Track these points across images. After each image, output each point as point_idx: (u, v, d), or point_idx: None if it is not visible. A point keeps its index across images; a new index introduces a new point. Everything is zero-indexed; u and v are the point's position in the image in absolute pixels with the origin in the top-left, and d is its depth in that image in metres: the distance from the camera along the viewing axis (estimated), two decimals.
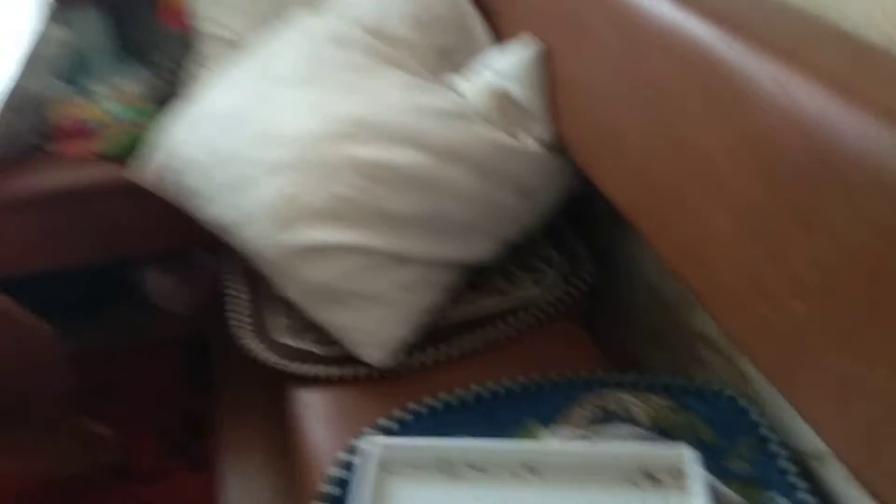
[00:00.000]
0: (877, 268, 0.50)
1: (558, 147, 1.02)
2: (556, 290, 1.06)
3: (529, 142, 1.01)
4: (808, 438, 0.81)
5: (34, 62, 1.32)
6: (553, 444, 0.82)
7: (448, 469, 0.78)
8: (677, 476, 0.77)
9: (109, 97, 1.43)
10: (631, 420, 0.85)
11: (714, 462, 0.80)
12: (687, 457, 0.77)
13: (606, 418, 0.86)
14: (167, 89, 1.44)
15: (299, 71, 1.06)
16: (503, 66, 1.01)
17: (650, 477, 0.77)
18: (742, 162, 0.62)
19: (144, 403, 1.46)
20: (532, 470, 0.77)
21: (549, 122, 1.00)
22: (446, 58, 1.15)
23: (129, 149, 1.32)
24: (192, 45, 1.40)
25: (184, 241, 1.45)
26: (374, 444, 0.78)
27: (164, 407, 1.45)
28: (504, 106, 1.01)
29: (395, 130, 0.96)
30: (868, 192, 0.49)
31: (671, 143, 0.73)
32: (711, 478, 0.77)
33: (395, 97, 1.00)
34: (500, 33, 1.15)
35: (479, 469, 0.78)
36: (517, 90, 0.99)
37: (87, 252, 1.39)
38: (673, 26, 0.71)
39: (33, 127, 1.36)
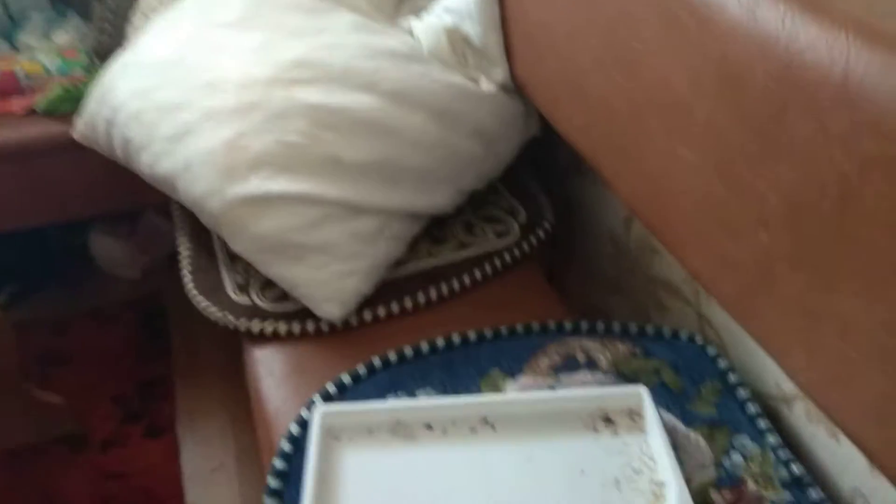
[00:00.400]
0: (845, 191, 0.47)
1: (516, 89, 0.99)
2: (517, 239, 1.04)
3: (486, 84, 0.97)
4: (771, 381, 0.81)
5: None
6: (510, 396, 0.80)
7: (402, 431, 0.75)
8: (636, 418, 0.76)
9: (45, 50, 1.36)
10: (595, 367, 0.84)
11: (680, 406, 0.79)
12: (644, 397, 0.76)
13: (571, 366, 0.84)
14: (108, 41, 1.37)
15: (241, 13, 1.01)
16: (456, 4, 0.97)
17: (609, 420, 0.76)
18: (705, 89, 0.59)
19: (99, 370, 1.42)
20: (491, 424, 0.76)
21: (505, 62, 0.96)
22: (404, 2, 1.10)
23: (67, 104, 1.26)
24: None
25: (131, 201, 1.40)
26: (316, 412, 0.75)
27: (118, 373, 1.41)
28: (459, 46, 0.96)
29: (345, 73, 0.91)
30: (834, 109, 0.46)
31: (631, 75, 0.70)
32: (671, 417, 0.77)
33: (345, 39, 0.96)
34: None
35: (435, 428, 0.75)
36: (471, 29, 0.95)
37: (28, 215, 1.32)
38: None
39: None
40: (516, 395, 0.80)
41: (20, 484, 1.23)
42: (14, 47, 1.40)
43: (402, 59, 0.94)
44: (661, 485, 0.70)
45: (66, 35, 1.41)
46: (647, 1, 0.65)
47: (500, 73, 0.97)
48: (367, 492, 0.70)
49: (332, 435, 0.74)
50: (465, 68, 0.97)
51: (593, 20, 0.75)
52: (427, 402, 0.79)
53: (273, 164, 0.87)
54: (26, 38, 1.40)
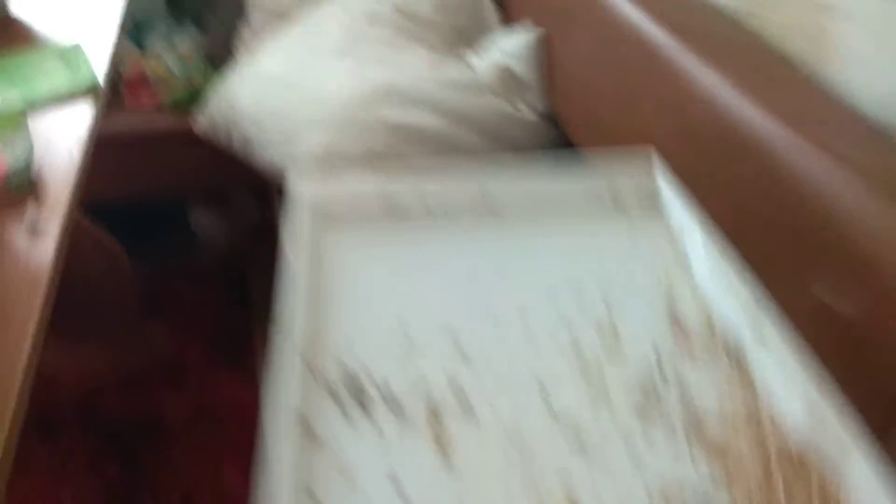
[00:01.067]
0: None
1: (550, 116, 1.24)
2: None
3: (526, 111, 1.23)
4: None
5: None
6: (516, 179, 0.73)
7: (399, 213, 0.70)
8: (649, 200, 0.73)
9: (169, 54, 1.64)
10: None
11: None
12: (659, 178, 0.72)
13: None
14: (219, 50, 1.66)
15: (339, 43, 1.28)
16: (508, 47, 1.23)
17: (621, 205, 0.74)
18: (680, 140, 0.85)
19: (192, 319, 1.70)
20: (495, 212, 0.71)
21: (543, 95, 1.22)
22: (462, 36, 1.36)
23: (186, 101, 1.54)
24: (243, 11, 1.61)
25: (229, 184, 1.69)
26: (304, 189, 0.68)
27: (208, 322, 1.69)
28: (507, 80, 1.22)
29: (419, 97, 1.18)
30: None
31: (633, 121, 0.95)
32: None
33: (420, 69, 1.22)
34: (507, 18, 1.36)
35: (435, 213, 0.70)
36: (519, 67, 1.21)
37: (150, 188, 1.62)
38: (637, 27, 0.93)
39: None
40: (525, 177, 0.74)
41: (131, 408, 1.52)
42: (141, 49, 1.69)
43: (464, 89, 1.20)
44: (680, 241, 0.70)
45: (186, 42, 1.69)
46: (646, 68, 0.91)
47: (538, 103, 1.22)
48: (359, 277, 0.64)
49: (320, 215, 0.68)
50: (510, 97, 1.23)
51: (608, 72, 1.01)
52: (426, 183, 0.71)
53: (359, 166, 1.14)
54: (153, 42, 1.69)
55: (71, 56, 1.16)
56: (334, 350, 0.59)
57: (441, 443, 0.53)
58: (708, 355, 0.59)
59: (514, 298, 0.63)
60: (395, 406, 0.55)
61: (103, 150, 1.55)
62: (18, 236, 0.80)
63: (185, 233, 1.87)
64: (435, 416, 0.55)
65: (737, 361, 0.58)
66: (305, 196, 0.68)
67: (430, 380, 0.57)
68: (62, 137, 0.97)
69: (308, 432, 0.53)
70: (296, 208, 0.67)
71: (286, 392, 0.53)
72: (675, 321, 0.62)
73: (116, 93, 1.58)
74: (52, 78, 1.11)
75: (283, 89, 1.25)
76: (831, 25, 0.81)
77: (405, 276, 0.66)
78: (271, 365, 0.54)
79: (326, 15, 1.35)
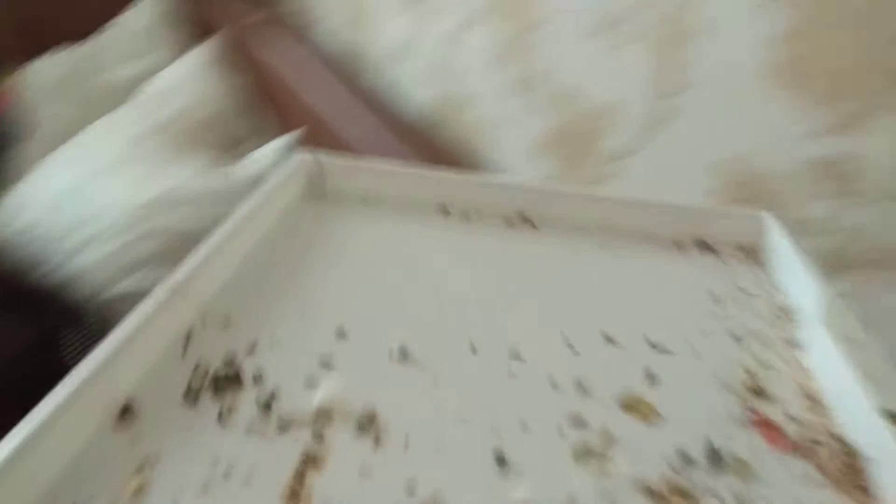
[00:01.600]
0: None
1: None
2: None
3: None
4: None
5: None
6: (560, 186, 0.59)
7: (410, 207, 0.58)
8: (750, 252, 0.56)
9: None
10: None
11: None
12: (766, 223, 0.55)
13: None
14: (1, 168, 1.71)
15: (111, 161, 1.44)
16: (265, 153, 1.46)
17: (706, 246, 0.57)
18: None
19: None
20: (529, 221, 0.58)
21: None
22: (240, 142, 1.57)
23: None
24: (18, 130, 1.70)
25: (10, 300, 1.73)
26: (301, 156, 0.57)
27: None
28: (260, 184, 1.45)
29: (182, 204, 1.35)
30: None
31: None
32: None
33: (186, 177, 1.41)
34: (285, 126, 1.57)
35: (453, 213, 0.59)
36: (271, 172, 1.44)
37: None
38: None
39: None
40: (572, 188, 0.60)
41: None
42: None
43: (217, 197, 1.40)
44: (786, 309, 0.50)
45: None
46: None
47: None
48: (353, 273, 0.51)
49: (317, 191, 0.57)
50: None
51: None
52: (447, 175, 0.58)
53: (140, 268, 1.30)
54: None
55: None
56: (237, 334, 0.45)
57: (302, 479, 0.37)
58: (798, 457, 0.41)
59: (513, 328, 0.45)
60: (265, 417, 0.40)
61: None
62: None
63: None
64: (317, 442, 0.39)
65: (853, 481, 0.40)
66: (300, 163, 0.56)
67: (336, 405, 0.41)
68: None
69: (127, 417, 0.39)
70: (283, 169, 0.56)
71: (114, 353, 0.38)
72: (754, 409, 0.43)
73: None
74: None
75: (62, 206, 1.38)
76: None
77: (401, 271, 0.50)
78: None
79: (99, 136, 1.50)
